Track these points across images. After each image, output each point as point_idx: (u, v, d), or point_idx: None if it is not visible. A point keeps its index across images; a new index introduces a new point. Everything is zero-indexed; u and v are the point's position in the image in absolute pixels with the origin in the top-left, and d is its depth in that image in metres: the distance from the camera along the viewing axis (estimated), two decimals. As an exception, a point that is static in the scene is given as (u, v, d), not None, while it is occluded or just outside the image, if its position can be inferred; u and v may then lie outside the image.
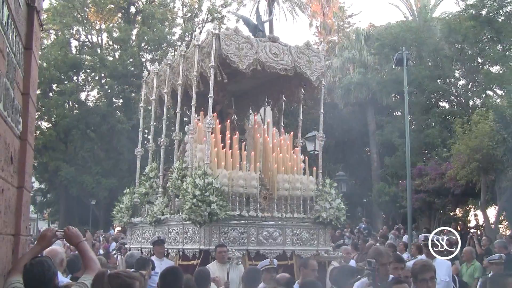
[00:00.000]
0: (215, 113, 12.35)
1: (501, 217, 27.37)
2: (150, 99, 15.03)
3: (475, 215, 31.52)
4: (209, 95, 11.66)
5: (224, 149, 11.84)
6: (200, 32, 39.04)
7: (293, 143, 13.26)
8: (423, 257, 9.68)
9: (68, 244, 7.66)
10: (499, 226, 27.28)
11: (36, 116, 37.39)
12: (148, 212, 13.14)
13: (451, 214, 32.96)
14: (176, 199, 12.22)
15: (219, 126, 12.35)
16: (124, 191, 14.77)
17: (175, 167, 12.48)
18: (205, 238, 11.12)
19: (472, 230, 24.38)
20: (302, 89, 13.61)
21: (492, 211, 27.07)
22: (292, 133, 13.44)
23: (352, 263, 12.10)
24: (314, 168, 12.73)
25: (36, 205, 42.25)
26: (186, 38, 40.92)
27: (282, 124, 14.34)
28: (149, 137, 15.39)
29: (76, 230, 5.12)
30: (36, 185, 41.30)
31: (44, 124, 40.91)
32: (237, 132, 12.89)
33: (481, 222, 27.09)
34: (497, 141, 19.33)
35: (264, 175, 12.50)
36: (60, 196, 40.71)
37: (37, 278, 4.44)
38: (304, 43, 12.84)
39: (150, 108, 16.08)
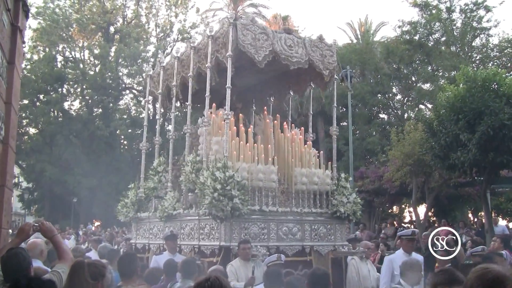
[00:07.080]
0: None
1: (430, 213, 26.60)
2: (156, 93, 12.15)
3: (409, 211, 31.15)
4: (227, 85, 9.20)
5: (241, 142, 9.34)
6: (171, 50, 37.13)
7: (304, 138, 10.85)
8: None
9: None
10: (431, 220, 26.39)
11: (24, 123, 35.66)
12: (157, 207, 10.44)
13: (389, 211, 32.51)
14: (190, 194, 9.58)
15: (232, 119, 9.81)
16: (129, 186, 12.01)
17: (189, 160, 9.74)
18: (226, 234, 8.64)
19: (406, 225, 24.50)
20: (311, 83, 11.13)
21: (422, 208, 25.96)
22: (302, 128, 11.07)
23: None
24: (330, 162, 10.36)
25: (24, 202, 40.06)
26: (159, 55, 38.39)
27: (290, 119, 11.86)
28: (155, 131, 12.50)
29: (50, 225, 4.82)
30: (24, 184, 39.99)
31: (32, 130, 38.90)
32: (251, 125, 10.42)
33: (414, 218, 26.04)
34: (426, 148, 18.55)
35: (278, 169, 9.91)
36: (45, 194, 38.33)
37: (13, 269, 4.10)
38: (318, 36, 10.37)
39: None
